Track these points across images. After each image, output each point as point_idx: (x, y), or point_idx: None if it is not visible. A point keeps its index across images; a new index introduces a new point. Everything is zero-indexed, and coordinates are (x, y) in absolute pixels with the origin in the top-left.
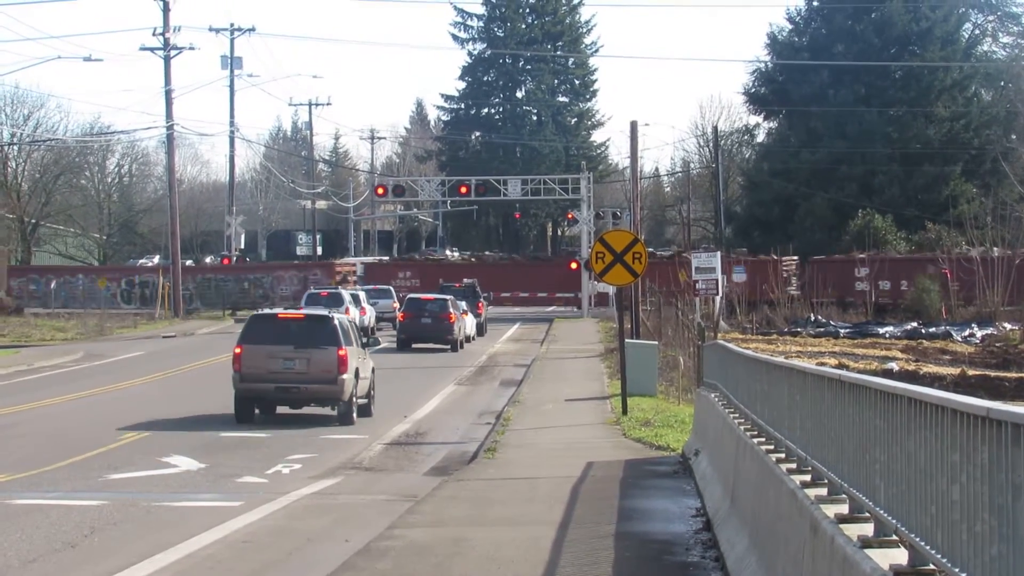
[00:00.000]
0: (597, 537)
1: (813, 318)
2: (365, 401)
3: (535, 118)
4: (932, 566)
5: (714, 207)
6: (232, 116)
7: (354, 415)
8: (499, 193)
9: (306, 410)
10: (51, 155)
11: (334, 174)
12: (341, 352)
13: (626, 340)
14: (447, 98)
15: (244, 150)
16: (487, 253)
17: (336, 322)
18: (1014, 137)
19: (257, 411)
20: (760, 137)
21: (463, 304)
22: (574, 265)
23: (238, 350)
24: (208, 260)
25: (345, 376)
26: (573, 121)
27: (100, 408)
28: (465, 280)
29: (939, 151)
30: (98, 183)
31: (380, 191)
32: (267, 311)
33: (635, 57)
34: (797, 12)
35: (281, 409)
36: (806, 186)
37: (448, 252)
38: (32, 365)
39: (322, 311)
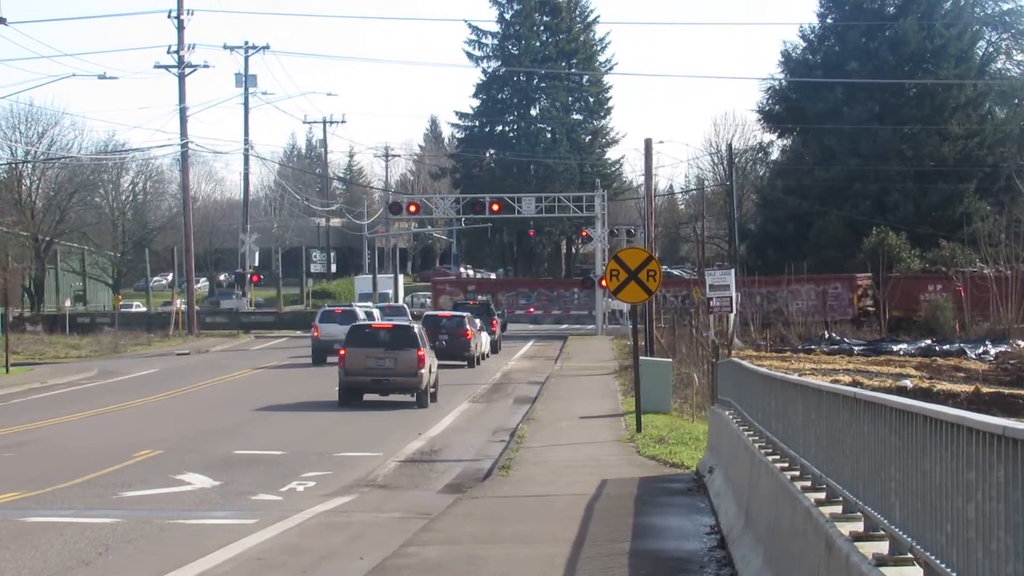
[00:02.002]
0: (611, 555)
1: (827, 335)
2: (433, 390)
3: (549, 135)
4: None
5: (728, 225)
6: (246, 134)
7: (428, 400)
8: (513, 211)
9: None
10: (65, 173)
11: (348, 192)
12: (420, 353)
13: (640, 357)
14: (461, 115)
15: (258, 168)
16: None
17: (416, 330)
18: None
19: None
20: (774, 155)
21: (478, 321)
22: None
23: (342, 352)
24: (222, 277)
25: (422, 371)
26: (587, 139)
27: (114, 426)
28: (479, 297)
29: (953, 169)
30: (112, 201)
31: (395, 209)
32: (363, 323)
33: (649, 75)
34: (811, 30)
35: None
36: (820, 204)
37: (462, 270)
38: (46, 383)
39: (405, 322)
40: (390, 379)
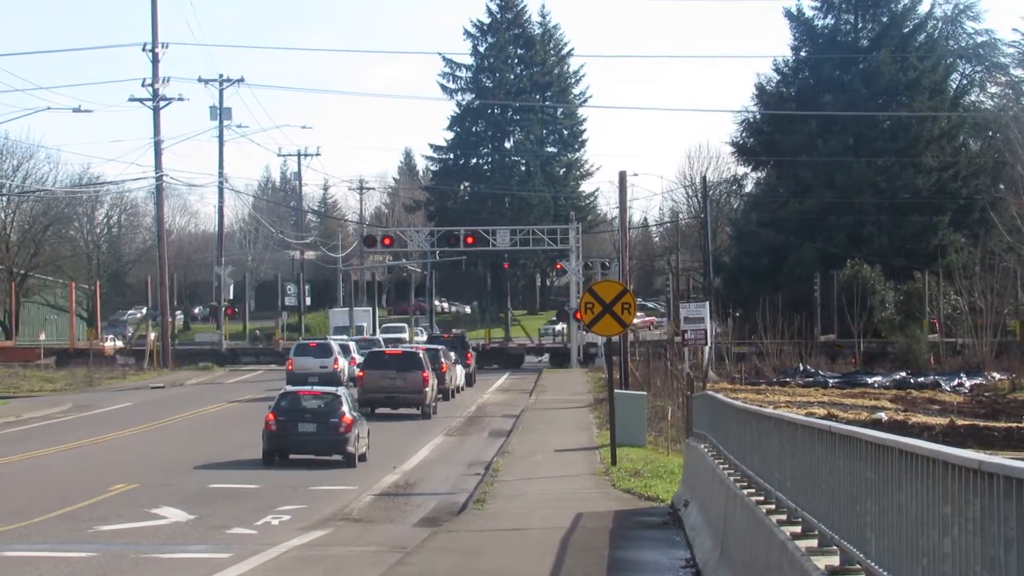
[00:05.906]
0: None
1: (802, 368)
2: (435, 404)
3: (524, 168)
4: None
5: (703, 257)
6: (221, 167)
7: (431, 412)
8: (488, 243)
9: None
10: (40, 206)
11: (323, 224)
12: (424, 374)
13: (615, 390)
14: (436, 148)
15: (233, 201)
16: None
17: (421, 355)
18: (1002, 187)
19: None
20: (748, 187)
21: (453, 354)
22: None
23: (361, 374)
24: (197, 311)
25: (427, 389)
26: (562, 171)
27: (89, 459)
28: (454, 330)
29: (927, 201)
30: (87, 234)
31: (369, 242)
32: (378, 349)
33: (623, 107)
34: (785, 63)
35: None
36: (794, 236)
37: (437, 303)
38: (20, 416)
39: (412, 348)
40: (399, 395)
